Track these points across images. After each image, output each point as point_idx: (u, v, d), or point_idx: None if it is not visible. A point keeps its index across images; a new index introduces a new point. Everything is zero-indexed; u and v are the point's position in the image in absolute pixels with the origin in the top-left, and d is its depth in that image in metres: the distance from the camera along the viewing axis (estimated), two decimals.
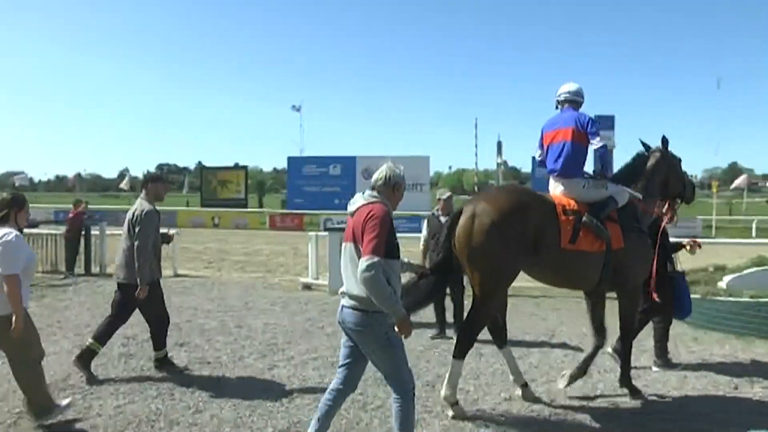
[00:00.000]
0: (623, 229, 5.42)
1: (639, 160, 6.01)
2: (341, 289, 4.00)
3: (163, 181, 6.35)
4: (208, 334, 7.97)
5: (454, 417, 5.05)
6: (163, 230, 6.37)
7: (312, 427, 4.06)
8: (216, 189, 38.46)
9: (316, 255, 12.53)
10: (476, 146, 18.75)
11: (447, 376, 5.19)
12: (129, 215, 6.07)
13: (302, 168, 35.69)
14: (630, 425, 5.02)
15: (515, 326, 8.61)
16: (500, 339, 5.62)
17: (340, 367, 4.12)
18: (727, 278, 9.15)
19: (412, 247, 8.61)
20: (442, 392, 5.17)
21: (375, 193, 4.02)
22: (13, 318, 4.42)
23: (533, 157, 33.06)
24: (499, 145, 37.39)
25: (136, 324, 8.15)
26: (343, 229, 9.20)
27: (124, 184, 48.59)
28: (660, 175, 5.97)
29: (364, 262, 3.68)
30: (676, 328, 7.88)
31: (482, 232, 5.03)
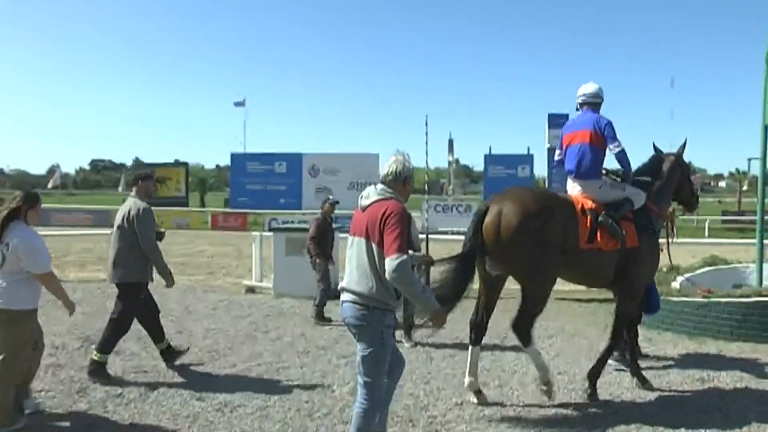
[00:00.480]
0: (637, 229, 5.76)
1: (655, 162, 6.34)
2: (341, 285, 4.08)
3: (153, 178, 6.59)
4: (146, 340, 7.76)
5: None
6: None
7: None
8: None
9: (260, 256, 12.39)
10: (426, 144, 19.27)
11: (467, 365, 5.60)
12: (122, 214, 6.21)
13: (246, 165, 35.20)
14: (583, 426, 5.10)
15: (465, 329, 8.67)
16: (478, 336, 5.78)
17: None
18: (680, 278, 9.43)
19: None
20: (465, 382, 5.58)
21: (387, 188, 4.08)
22: (61, 303, 5.08)
23: (485, 155, 33.53)
24: (451, 143, 37.49)
25: (66, 333, 7.88)
26: (288, 230, 9.22)
27: (53, 181, 46.96)
28: (675, 179, 6.36)
29: (392, 262, 3.76)
30: (663, 334, 8.12)
31: (511, 231, 5.27)
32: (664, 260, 8.55)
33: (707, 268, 9.40)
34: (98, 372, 6.11)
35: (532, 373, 6.58)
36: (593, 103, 6.01)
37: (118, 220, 6.26)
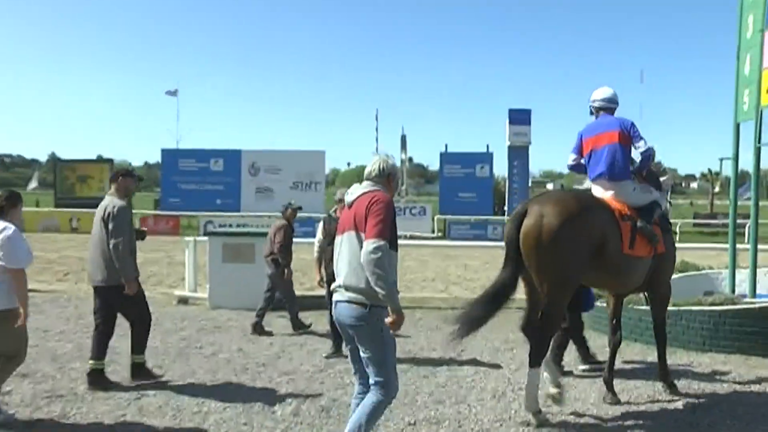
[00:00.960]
0: (662, 232, 6.24)
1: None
2: (335, 284, 4.32)
3: (132, 176, 6.85)
4: (62, 360, 7.55)
5: (538, 426, 5.51)
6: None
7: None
8: (74, 186, 36.61)
9: (194, 263, 12.23)
10: (377, 140, 19.01)
11: (525, 387, 5.69)
12: (100, 213, 6.50)
13: (179, 162, 34.59)
14: None
15: (420, 342, 8.71)
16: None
17: (355, 373, 4.49)
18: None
19: (304, 253, 8.61)
20: (524, 404, 5.69)
21: (372, 183, 4.40)
22: (20, 310, 5.17)
23: (441, 153, 33.75)
24: (403, 139, 37.66)
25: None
26: (226, 234, 9.19)
27: None
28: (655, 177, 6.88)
29: (370, 244, 4.03)
30: (597, 340, 8.25)
31: (553, 234, 5.46)
32: None
33: (677, 275, 9.63)
34: (97, 379, 6.51)
35: (491, 388, 6.64)
36: (610, 108, 6.46)
37: (96, 221, 6.54)
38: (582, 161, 6.53)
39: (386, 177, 4.45)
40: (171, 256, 20.11)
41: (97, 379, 6.52)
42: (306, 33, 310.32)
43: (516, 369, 7.40)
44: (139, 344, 6.74)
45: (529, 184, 29.67)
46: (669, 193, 7.27)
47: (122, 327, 6.89)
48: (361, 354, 4.29)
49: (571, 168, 6.68)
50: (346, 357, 7.64)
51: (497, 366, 7.56)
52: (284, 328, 9.54)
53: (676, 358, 7.87)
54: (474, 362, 7.73)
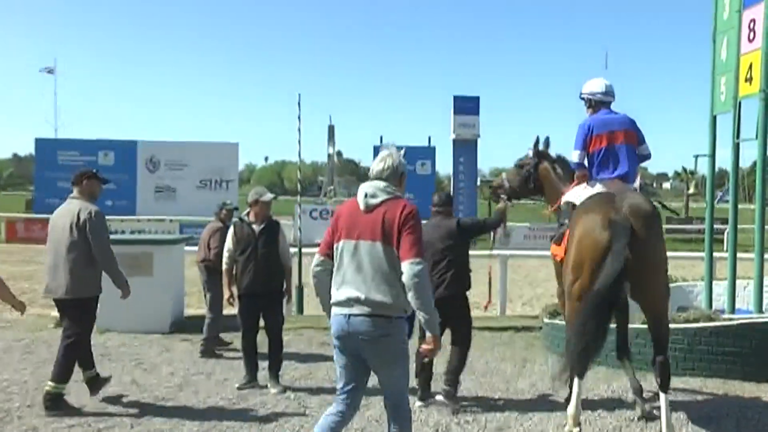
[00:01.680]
0: None
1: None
2: (347, 296, 4.60)
3: (98, 177, 7.46)
4: None
5: None
6: None
7: None
8: None
9: None
10: (300, 131, 18.99)
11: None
12: (68, 219, 7.01)
13: (57, 155, 33.74)
14: None
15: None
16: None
17: (342, 393, 4.78)
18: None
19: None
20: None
21: (389, 185, 4.75)
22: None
23: (375, 147, 33.82)
24: (331, 130, 37.53)
25: None
26: (118, 242, 9.12)
27: None
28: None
29: (415, 266, 4.44)
30: (547, 366, 8.42)
31: (661, 237, 6.16)
32: None
33: None
34: (57, 403, 6.86)
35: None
36: (609, 102, 7.08)
37: (63, 227, 7.02)
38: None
39: (399, 176, 4.83)
40: None
41: (58, 404, 6.90)
42: (216, 6, 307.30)
43: (465, 403, 7.42)
44: (64, 370, 6.99)
45: (478, 183, 29.91)
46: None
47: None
48: (380, 374, 4.70)
49: (579, 166, 7.06)
50: (264, 387, 7.68)
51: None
52: (187, 353, 9.38)
53: (646, 382, 8.05)
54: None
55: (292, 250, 11.66)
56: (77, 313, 7.08)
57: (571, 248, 6.07)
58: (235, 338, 9.40)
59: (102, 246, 7.01)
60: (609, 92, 7.07)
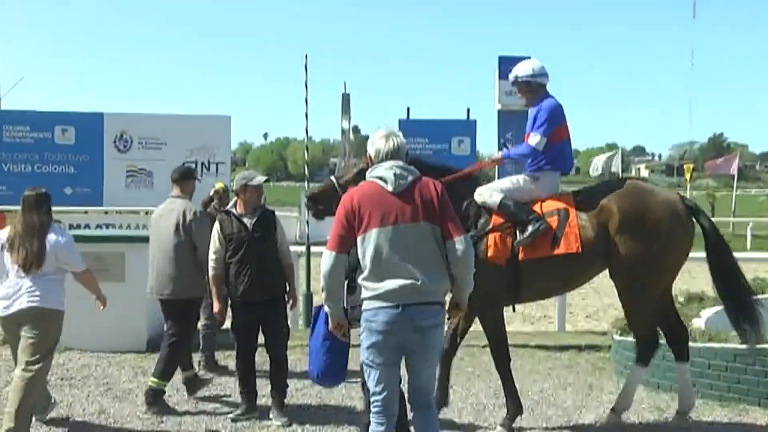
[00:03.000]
0: None
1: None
2: (398, 284, 5.25)
3: (195, 177, 9.10)
4: None
5: None
6: None
7: None
8: None
9: None
10: (307, 102, 18.60)
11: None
12: (173, 219, 8.36)
13: (2, 131, 33.84)
14: None
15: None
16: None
17: (380, 401, 5.43)
18: (706, 313, 9.76)
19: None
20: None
21: (405, 165, 5.55)
22: (95, 297, 7.95)
23: (400, 121, 33.64)
24: (346, 100, 36.92)
25: None
26: (81, 239, 9.53)
27: None
28: None
29: (465, 242, 5.38)
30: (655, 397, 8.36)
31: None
32: (679, 283, 9.03)
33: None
34: (156, 399, 8.21)
35: None
36: (545, 85, 8.01)
37: (168, 227, 8.37)
38: None
39: (406, 155, 5.72)
40: None
41: (157, 400, 8.21)
42: None
43: None
44: (169, 367, 8.36)
45: None
46: (735, 179, 8.12)
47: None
48: (419, 371, 5.47)
49: (536, 153, 7.74)
50: (266, 418, 7.71)
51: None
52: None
53: (747, 417, 8.03)
54: (452, 426, 7.75)
55: (298, 248, 11.69)
56: (182, 313, 8.37)
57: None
58: (228, 358, 9.46)
59: (205, 248, 8.14)
60: (546, 74, 7.93)
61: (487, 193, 7.54)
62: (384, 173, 5.42)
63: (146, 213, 29.01)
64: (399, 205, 5.33)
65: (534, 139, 7.65)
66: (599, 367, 10.19)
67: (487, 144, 36.65)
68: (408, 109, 33.92)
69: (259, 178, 8.05)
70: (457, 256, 5.33)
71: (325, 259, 5.36)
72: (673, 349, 7.87)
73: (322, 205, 7.46)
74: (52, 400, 8.04)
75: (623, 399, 7.83)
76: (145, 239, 11.66)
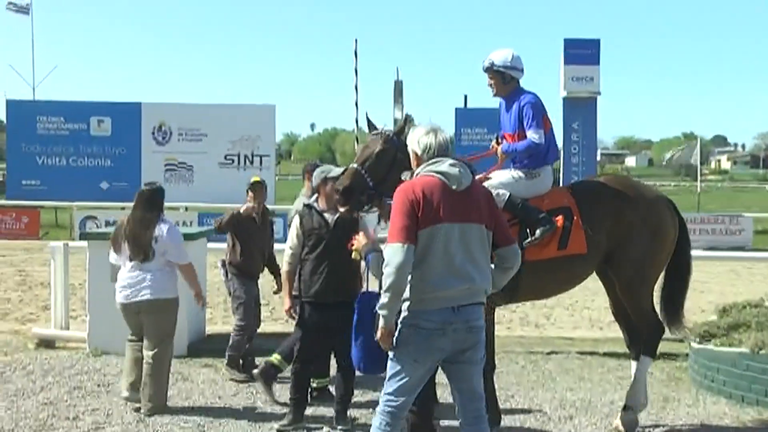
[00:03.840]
0: None
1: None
2: (459, 285, 5.52)
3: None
4: None
5: None
6: None
7: None
8: None
9: (64, 284, 12.23)
10: (357, 90, 18.38)
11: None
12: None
13: (37, 122, 34.29)
14: None
15: None
16: None
17: (411, 400, 5.80)
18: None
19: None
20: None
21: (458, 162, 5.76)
22: (194, 293, 9.00)
23: (457, 110, 33.58)
24: (399, 87, 37.24)
25: None
26: (106, 236, 9.37)
27: None
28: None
29: (518, 250, 5.87)
30: (699, 408, 8.30)
31: None
32: (763, 287, 8.94)
33: None
34: (270, 375, 8.80)
35: None
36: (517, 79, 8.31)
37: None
38: None
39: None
40: (25, 273, 20.04)
41: (270, 376, 8.85)
42: None
43: None
44: (291, 351, 8.54)
45: (598, 158, 29.54)
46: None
47: None
48: (475, 370, 5.72)
49: (539, 147, 8.01)
50: (314, 428, 7.76)
51: None
52: (209, 383, 9.50)
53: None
54: None
55: None
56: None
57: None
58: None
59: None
60: (522, 69, 8.23)
61: (492, 191, 7.42)
62: (447, 169, 5.61)
63: (186, 209, 29.30)
64: (463, 203, 5.58)
65: (535, 134, 7.88)
66: (675, 378, 10.12)
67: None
68: (465, 97, 34.11)
69: (338, 170, 8.12)
70: (513, 263, 5.79)
71: (395, 252, 5.37)
72: (639, 346, 8.34)
73: (356, 196, 7.28)
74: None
75: (634, 395, 8.12)
76: (187, 237, 11.76)
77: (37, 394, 9.14)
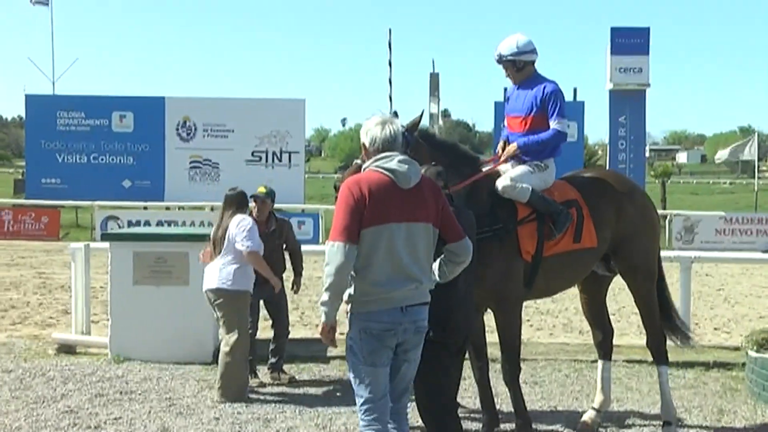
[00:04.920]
0: None
1: None
2: (404, 285, 5.63)
3: None
4: None
5: None
6: None
7: None
8: None
9: (85, 286, 12.29)
10: (390, 83, 18.23)
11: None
12: None
13: (57, 117, 34.50)
14: None
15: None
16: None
17: (379, 405, 5.74)
18: None
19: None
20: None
21: (408, 158, 5.84)
22: (273, 281, 9.75)
23: (497, 104, 33.51)
24: (434, 80, 37.13)
25: None
26: (139, 237, 9.89)
27: None
28: None
29: (469, 245, 5.94)
30: (757, 421, 8.23)
31: None
32: None
33: None
34: None
35: None
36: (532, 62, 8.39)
37: None
38: None
39: (401, 145, 5.98)
40: (45, 275, 20.12)
41: None
42: None
43: None
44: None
45: (646, 154, 29.38)
46: None
47: None
48: (412, 369, 5.92)
49: (562, 137, 8.17)
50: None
51: None
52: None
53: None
54: None
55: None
56: None
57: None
58: (302, 371, 9.56)
59: None
60: (533, 50, 8.28)
61: (512, 184, 7.82)
62: (396, 166, 5.66)
63: (211, 209, 29.28)
64: (411, 202, 5.66)
65: (560, 124, 8.00)
66: (731, 388, 10.01)
67: (597, 128, 36.23)
68: (505, 90, 33.60)
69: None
70: (464, 258, 5.91)
71: (337, 251, 5.44)
72: (605, 349, 8.84)
73: None
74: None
75: (666, 410, 8.32)
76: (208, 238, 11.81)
77: (57, 402, 9.20)
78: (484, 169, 8.13)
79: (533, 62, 8.27)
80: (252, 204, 10.23)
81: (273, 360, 10.23)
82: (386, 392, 5.73)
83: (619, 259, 8.32)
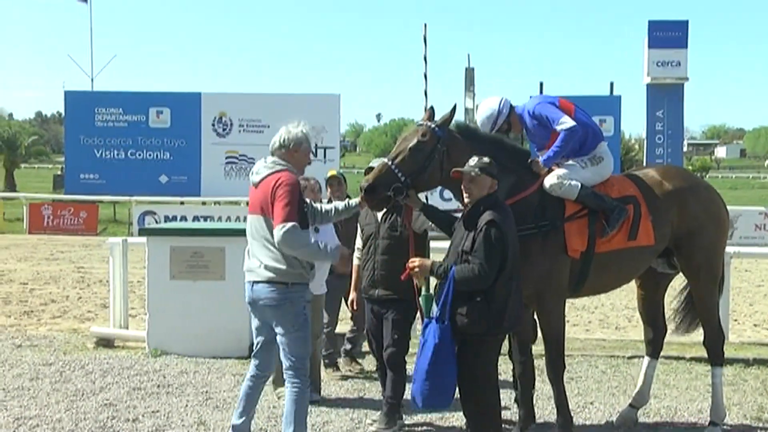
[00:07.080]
0: None
1: None
2: (247, 266, 6.98)
3: None
4: None
5: None
6: None
7: (237, 414, 7.25)
8: None
9: (123, 280, 12.40)
10: (426, 78, 18.53)
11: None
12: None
13: (95, 114, 34.62)
14: None
15: None
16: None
17: (255, 354, 7.17)
18: None
19: None
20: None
21: (278, 160, 6.86)
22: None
23: (532, 98, 33.26)
24: (470, 75, 36.89)
25: None
26: (175, 232, 10.69)
27: None
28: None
29: (278, 232, 6.56)
30: None
31: None
32: None
33: None
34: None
35: None
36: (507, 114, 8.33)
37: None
38: None
39: (289, 149, 7.10)
40: (83, 270, 20.30)
41: None
42: None
43: None
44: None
45: (684, 149, 29.15)
46: None
47: None
48: (279, 338, 6.90)
49: (576, 130, 7.95)
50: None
51: None
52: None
53: None
54: None
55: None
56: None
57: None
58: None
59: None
60: (506, 106, 8.21)
61: (559, 182, 7.72)
62: (255, 167, 7.17)
63: (247, 204, 29.20)
64: (254, 198, 7.00)
65: (560, 124, 7.89)
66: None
67: (634, 123, 36.01)
68: (541, 85, 33.61)
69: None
70: (276, 242, 6.68)
71: (298, 231, 6.71)
72: (655, 347, 8.73)
73: (378, 194, 7.29)
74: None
75: (716, 410, 8.24)
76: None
77: (96, 395, 9.31)
78: (532, 165, 7.95)
79: (508, 113, 8.22)
80: (327, 190, 10.49)
81: (348, 347, 10.59)
82: (258, 350, 7.22)
83: (681, 256, 8.23)
